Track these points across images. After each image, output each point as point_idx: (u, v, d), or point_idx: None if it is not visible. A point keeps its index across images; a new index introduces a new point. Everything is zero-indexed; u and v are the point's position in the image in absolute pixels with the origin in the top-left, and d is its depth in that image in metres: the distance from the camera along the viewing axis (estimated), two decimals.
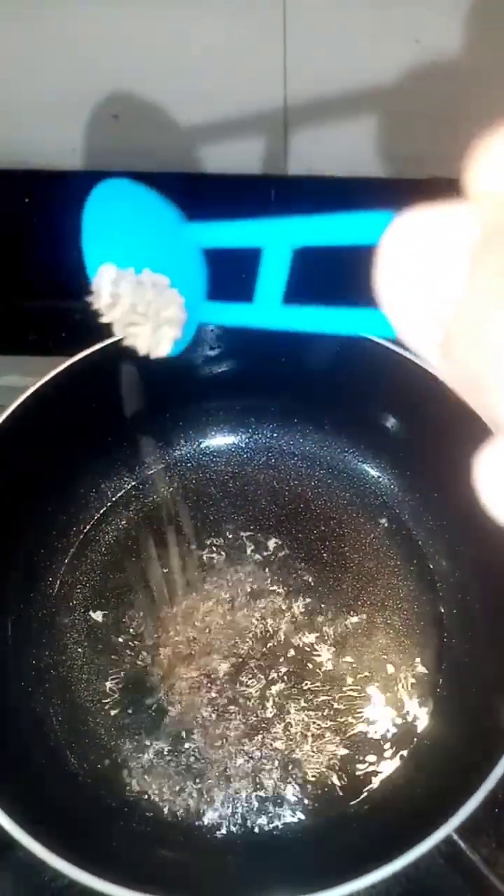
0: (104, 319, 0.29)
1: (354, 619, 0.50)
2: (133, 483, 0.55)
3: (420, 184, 0.65)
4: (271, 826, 0.43)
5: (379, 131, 0.63)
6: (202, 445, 0.56)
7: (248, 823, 0.44)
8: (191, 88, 0.62)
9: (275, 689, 0.48)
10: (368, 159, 0.65)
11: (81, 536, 0.52)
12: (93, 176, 0.64)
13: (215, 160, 0.67)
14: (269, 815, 0.44)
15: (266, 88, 0.61)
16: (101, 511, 0.53)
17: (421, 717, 0.47)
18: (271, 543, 0.53)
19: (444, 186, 0.63)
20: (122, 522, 0.53)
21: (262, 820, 0.44)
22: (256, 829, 0.43)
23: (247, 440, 0.56)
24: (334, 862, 0.36)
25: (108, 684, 0.48)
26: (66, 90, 0.63)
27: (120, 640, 0.50)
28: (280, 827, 0.43)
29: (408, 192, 0.64)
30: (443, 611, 0.49)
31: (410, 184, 0.66)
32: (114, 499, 0.54)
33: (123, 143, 0.67)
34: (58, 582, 0.50)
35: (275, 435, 0.56)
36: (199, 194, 0.66)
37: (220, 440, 0.56)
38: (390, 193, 0.64)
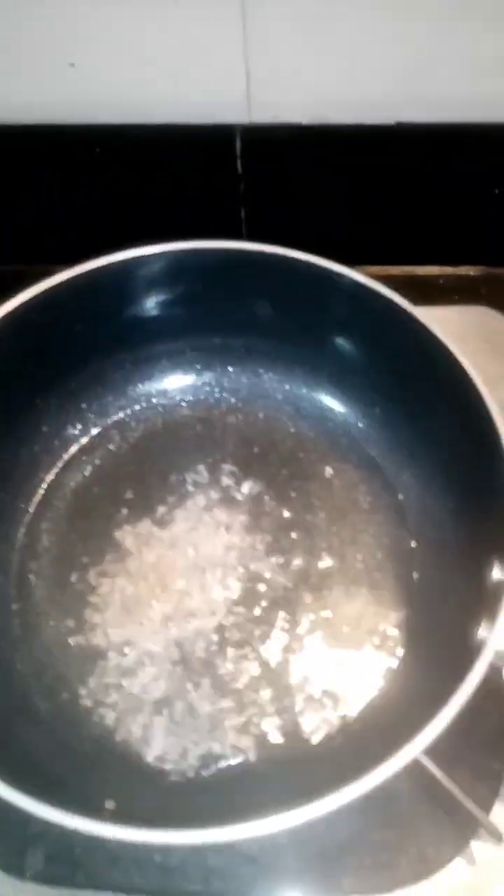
0: None
1: (326, 555, 0.50)
2: (98, 429, 0.54)
3: (387, 130, 0.65)
4: (243, 760, 0.44)
5: (345, 76, 0.63)
6: (166, 389, 0.56)
7: (222, 758, 0.44)
8: (149, 36, 0.61)
9: (247, 625, 0.48)
10: (334, 105, 0.65)
11: (46, 484, 0.52)
12: (48, 130, 0.63)
13: (175, 109, 0.66)
14: (242, 751, 0.44)
15: (226, 34, 0.60)
16: (66, 458, 0.53)
17: (394, 648, 0.47)
18: (240, 485, 0.53)
19: (410, 132, 0.63)
20: (88, 469, 0.53)
21: (234, 755, 0.44)
22: (226, 764, 0.44)
23: (213, 382, 0.56)
24: (312, 787, 0.36)
25: (74, 626, 0.48)
26: (16, 36, 0.61)
27: (88, 584, 0.50)
28: (254, 761, 0.44)
29: (375, 140, 0.63)
30: (413, 544, 0.49)
31: (377, 130, 0.65)
32: (78, 445, 0.53)
33: (81, 95, 0.66)
34: (23, 529, 0.50)
35: (240, 377, 0.56)
36: (158, 146, 0.64)
37: (184, 382, 0.56)
38: (356, 141, 0.64)
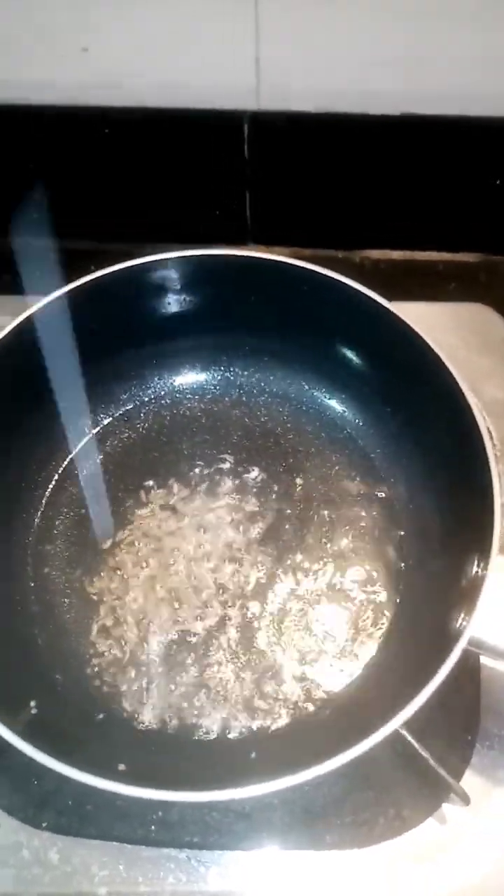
0: None
1: (320, 542, 0.54)
2: (109, 419, 0.57)
3: (392, 120, 0.66)
4: (244, 729, 0.48)
5: (353, 67, 0.63)
6: (176, 383, 0.58)
7: (222, 727, 0.48)
8: (161, 22, 0.61)
9: (248, 604, 0.52)
10: (341, 95, 0.65)
11: (61, 469, 0.55)
12: (60, 111, 0.64)
13: (185, 94, 0.66)
14: (242, 719, 0.48)
15: (237, 22, 0.60)
16: (79, 446, 0.56)
17: (381, 630, 0.51)
18: (243, 475, 0.56)
19: (415, 123, 0.64)
20: (100, 457, 0.56)
21: (235, 723, 0.48)
22: (231, 733, 0.48)
23: (219, 378, 0.59)
24: (300, 759, 0.40)
25: (89, 609, 0.52)
26: (33, 21, 0.61)
27: (101, 566, 0.53)
28: (252, 729, 0.48)
29: (380, 130, 0.64)
30: (402, 534, 0.53)
31: (382, 120, 0.66)
32: (91, 434, 0.56)
33: (92, 78, 0.66)
34: (39, 513, 0.53)
35: (245, 373, 0.58)
36: (168, 130, 0.65)
37: (192, 378, 0.59)
38: (362, 130, 0.65)
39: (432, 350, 0.46)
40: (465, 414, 0.44)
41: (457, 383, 0.45)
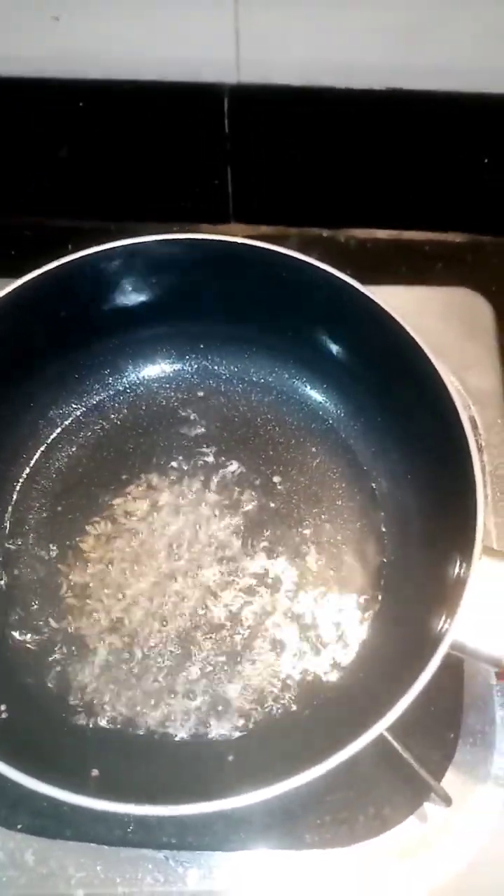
0: None
1: (302, 537, 0.53)
2: (82, 410, 0.55)
3: (377, 95, 0.64)
4: (218, 733, 0.47)
5: (337, 40, 0.61)
6: (151, 372, 0.56)
7: (198, 729, 0.47)
8: None
9: (227, 600, 0.51)
10: (325, 68, 0.63)
11: (32, 463, 0.53)
12: (30, 84, 0.61)
13: (162, 66, 0.64)
14: (219, 720, 0.47)
15: None
16: (51, 439, 0.54)
17: (361, 628, 0.50)
18: (222, 467, 0.54)
19: (401, 99, 0.62)
20: (73, 449, 0.54)
21: (211, 725, 0.47)
22: (208, 736, 0.47)
23: (195, 367, 0.57)
24: (278, 763, 0.39)
25: (64, 604, 0.50)
26: None
27: (72, 562, 0.51)
28: (227, 734, 0.47)
29: (365, 105, 0.61)
30: (384, 529, 0.51)
31: (367, 95, 0.64)
32: (62, 426, 0.54)
33: (65, 49, 0.64)
34: (9, 508, 0.52)
35: (223, 361, 0.56)
36: (144, 103, 0.62)
37: (168, 367, 0.57)
38: (346, 105, 0.62)
39: (412, 338, 0.44)
40: (447, 406, 0.43)
41: (438, 373, 0.44)
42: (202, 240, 0.48)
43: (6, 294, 0.45)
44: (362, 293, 0.46)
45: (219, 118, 0.64)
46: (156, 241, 0.48)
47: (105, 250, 0.47)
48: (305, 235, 0.72)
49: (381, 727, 0.38)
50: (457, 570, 0.41)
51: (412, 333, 0.46)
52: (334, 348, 0.53)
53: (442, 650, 0.38)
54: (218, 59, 0.62)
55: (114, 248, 0.47)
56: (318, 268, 0.47)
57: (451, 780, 0.47)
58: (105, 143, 0.66)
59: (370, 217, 0.72)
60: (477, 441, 0.56)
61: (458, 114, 0.62)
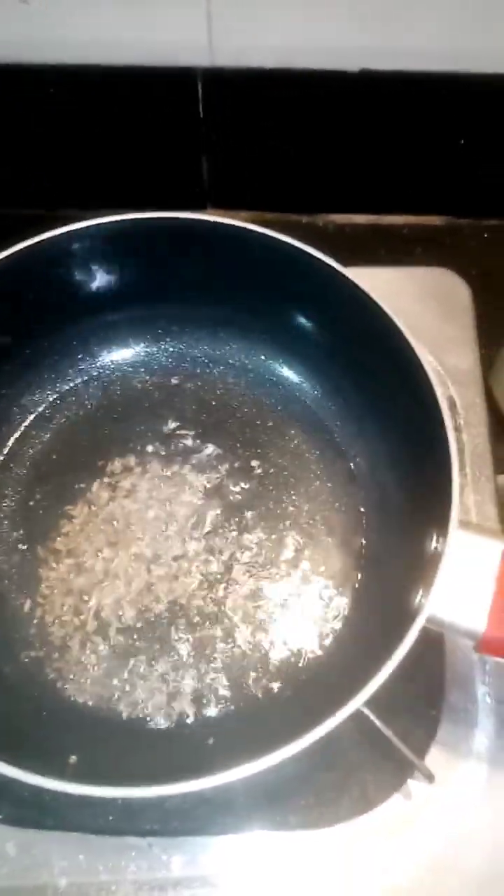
0: None
1: (281, 518, 0.52)
2: (56, 396, 0.55)
3: (351, 77, 0.63)
4: (201, 714, 0.46)
5: (310, 20, 0.61)
6: (125, 355, 0.56)
7: (178, 713, 0.46)
8: None
9: (205, 583, 0.50)
10: (298, 50, 0.63)
11: (6, 451, 0.53)
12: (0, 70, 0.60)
13: (133, 50, 0.63)
14: (199, 703, 0.47)
15: None
16: (24, 426, 0.53)
17: (342, 607, 0.50)
18: (199, 450, 0.54)
19: (375, 79, 0.62)
20: (47, 436, 0.54)
21: (192, 708, 0.47)
22: (188, 719, 0.46)
23: (170, 349, 0.56)
24: (259, 744, 0.39)
25: (38, 595, 0.50)
26: None
27: (48, 548, 0.51)
28: (206, 717, 0.46)
29: (339, 87, 0.61)
30: (362, 509, 0.51)
31: (341, 76, 0.63)
32: (36, 413, 0.54)
33: (34, 33, 0.63)
34: None
35: (199, 344, 0.56)
36: (116, 88, 0.62)
37: (142, 350, 0.56)
38: (321, 87, 0.62)
39: (388, 316, 0.44)
40: (424, 384, 0.43)
41: (414, 352, 0.43)
42: (173, 218, 0.48)
43: None
44: (338, 271, 0.46)
45: (193, 102, 0.64)
46: (125, 220, 0.47)
47: (72, 231, 0.47)
48: (283, 221, 0.72)
49: (357, 702, 0.38)
50: (433, 545, 0.41)
51: (389, 312, 0.45)
52: (310, 328, 0.52)
53: (418, 624, 0.38)
54: (191, 41, 0.61)
55: (82, 228, 0.46)
56: (292, 245, 0.46)
57: (434, 757, 0.47)
58: (77, 129, 0.65)
59: (348, 202, 0.72)
60: (456, 420, 0.56)
61: (433, 95, 0.62)
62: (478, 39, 0.59)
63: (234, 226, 0.47)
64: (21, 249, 0.45)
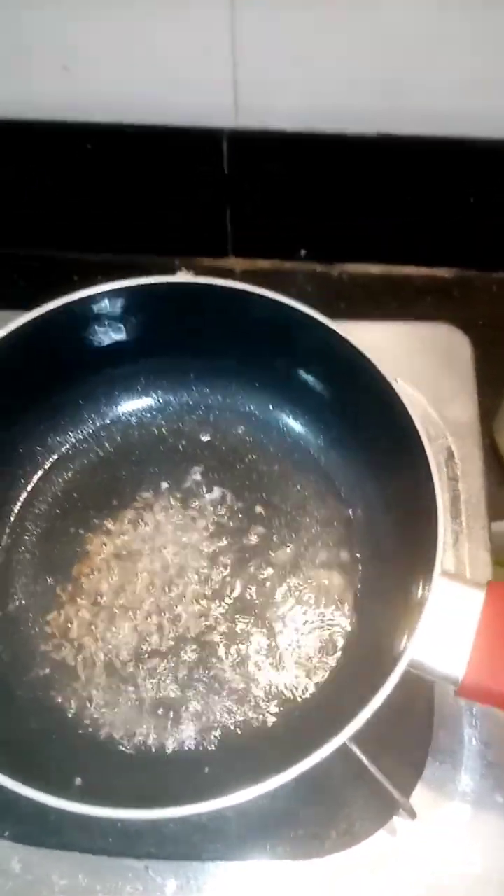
0: None
1: (283, 562, 0.55)
2: (79, 438, 0.58)
3: (369, 140, 0.67)
4: (200, 744, 0.49)
5: (330, 86, 0.64)
6: (143, 403, 0.60)
7: (178, 742, 0.49)
8: (139, 40, 0.62)
9: (211, 619, 0.53)
10: (318, 114, 0.66)
11: (30, 488, 0.56)
12: (44, 127, 0.66)
13: (165, 111, 0.67)
14: (199, 734, 0.49)
15: (214, 40, 0.61)
16: (48, 465, 0.57)
17: (337, 647, 0.52)
18: (207, 494, 0.57)
19: (391, 143, 0.65)
20: (69, 475, 0.57)
21: (192, 739, 0.49)
22: (187, 748, 0.49)
23: (184, 398, 0.60)
24: (252, 775, 0.41)
25: (53, 623, 0.53)
26: (12, 40, 0.63)
27: (65, 579, 0.54)
28: (207, 745, 0.49)
29: (357, 149, 0.65)
30: (358, 555, 0.54)
31: (359, 139, 0.67)
32: (59, 453, 0.57)
33: (74, 95, 0.67)
34: (6, 530, 0.55)
35: (211, 394, 0.60)
36: (148, 146, 0.66)
37: (159, 398, 0.60)
38: (339, 149, 0.65)
39: (381, 375, 0.47)
40: (413, 439, 0.45)
41: (406, 408, 0.46)
42: (182, 283, 0.52)
43: (11, 332, 0.49)
44: (336, 332, 0.49)
45: (218, 159, 0.67)
46: (143, 284, 0.51)
47: (100, 293, 0.51)
48: (300, 270, 0.75)
49: (341, 739, 0.40)
50: (420, 591, 0.43)
51: (383, 372, 0.48)
52: (313, 382, 0.56)
53: (400, 667, 0.40)
54: (217, 104, 0.65)
55: (108, 290, 0.50)
56: (293, 308, 0.49)
57: (420, 796, 0.48)
58: (111, 181, 0.70)
59: (362, 253, 0.75)
60: (453, 470, 0.59)
61: (444, 157, 0.65)
62: (480, 105, 0.62)
63: (243, 290, 0.50)
64: (52, 309, 0.49)
